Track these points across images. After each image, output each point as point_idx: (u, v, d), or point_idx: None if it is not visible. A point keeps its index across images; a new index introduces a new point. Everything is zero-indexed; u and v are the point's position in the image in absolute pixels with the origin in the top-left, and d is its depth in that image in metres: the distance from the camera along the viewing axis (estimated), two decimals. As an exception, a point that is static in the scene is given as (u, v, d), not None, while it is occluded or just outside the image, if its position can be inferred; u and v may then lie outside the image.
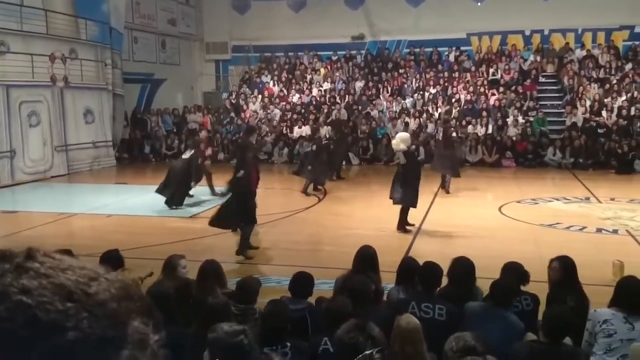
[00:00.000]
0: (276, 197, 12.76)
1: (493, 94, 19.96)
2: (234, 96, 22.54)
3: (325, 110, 20.47)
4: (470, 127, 18.87)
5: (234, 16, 22.66)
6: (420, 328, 3.74)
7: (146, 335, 0.62)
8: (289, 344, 3.75)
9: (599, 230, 9.77)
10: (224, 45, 23.90)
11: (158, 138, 20.57)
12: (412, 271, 5.10)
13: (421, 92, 20.79)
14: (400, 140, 9.49)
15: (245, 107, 21.79)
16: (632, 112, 18.19)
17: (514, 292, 4.47)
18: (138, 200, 12.68)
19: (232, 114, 21.48)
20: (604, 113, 18.42)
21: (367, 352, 2.86)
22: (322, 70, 22.69)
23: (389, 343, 3.75)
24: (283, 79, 22.72)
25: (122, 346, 0.59)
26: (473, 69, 21.26)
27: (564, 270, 4.78)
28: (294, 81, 22.56)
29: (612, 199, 12.36)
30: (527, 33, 21.62)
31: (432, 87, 20.87)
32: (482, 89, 20.23)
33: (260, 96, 22.12)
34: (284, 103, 21.61)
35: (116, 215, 11.20)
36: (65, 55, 17.12)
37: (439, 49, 22.18)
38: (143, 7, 21.31)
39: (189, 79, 23.91)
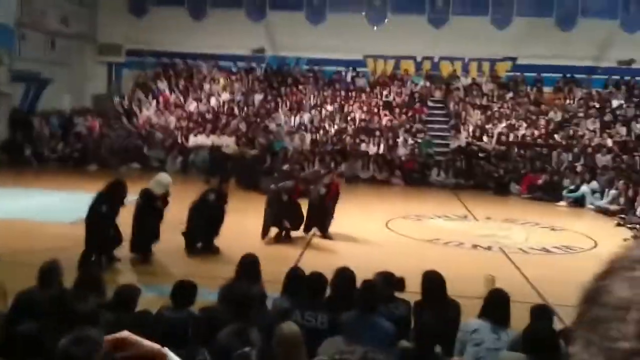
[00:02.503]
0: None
1: (385, 115, 20.74)
2: (126, 100, 21.81)
3: (224, 121, 20.33)
4: (363, 145, 19.47)
5: (130, 19, 22.01)
6: (301, 335, 3.82)
7: None
8: None
9: (474, 246, 10.41)
10: (117, 48, 23.07)
11: (42, 140, 19.45)
12: (297, 280, 5.20)
13: (318, 109, 21.19)
14: (155, 183, 8.83)
15: (138, 112, 21.14)
16: (511, 138, 19.58)
17: (376, 297, 4.64)
18: (16, 205, 11.92)
19: (124, 119, 20.77)
20: (485, 138, 19.68)
21: (245, 349, 2.89)
22: (222, 81, 22.52)
23: (270, 349, 3.80)
24: (180, 86, 22.31)
25: None
26: (368, 89, 21.99)
27: (429, 284, 5.06)
28: (191, 89, 22.22)
29: (489, 218, 13.21)
30: (419, 59, 22.70)
31: (329, 105, 21.34)
32: (375, 110, 20.96)
33: (155, 102, 21.56)
34: (180, 111, 21.21)
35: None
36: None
37: (336, 68, 22.75)
38: (33, 3, 20.16)
39: (79, 81, 22.83)
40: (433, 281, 5.07)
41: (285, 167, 11.69)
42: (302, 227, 10.35)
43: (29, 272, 5.28)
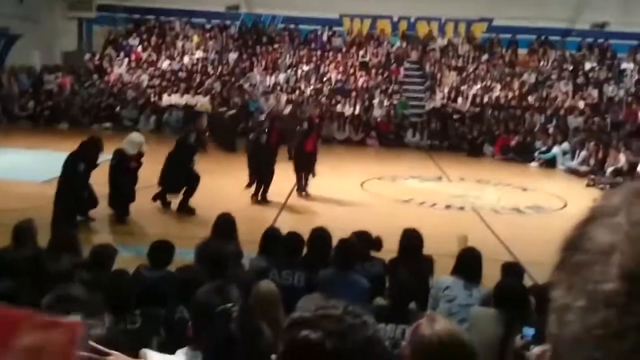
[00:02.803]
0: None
1: (362, 76, 20.64)
2: (97, 57, 21.30)
3: (198, 80, 20.03)
4: (339, 106, 19.40)
5: (101, -27, 21.31)
6: (278, 293, 3.88)
7: None
8: (138, 312, 3.71)
9: (448, 206, 10.59)
10: (87, 3, 22.36)
11: (12, 98, 18.96)
12: (274, 240, 5.24)
13: (294, 69, 20.97)
14: (128, 143, 8.70)
15: (110, 69, 20.69)
16: (485, 100, 19.71)
17: (352, 255, 4.70)
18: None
19: (95, 76, 20.32)
20: (459, 99, 19.77)
21: (227, 305, 2.91)
22: (195, 38, 22.07)
23: (248, 307, 3.86)
24: (152, 43, 21.83)
25: None
26: (344, 49, 21.80)
27: (408, 241, 5.15)
28: (164, 47, 21.76)
29: (462, 179, 13.39)
30: (395, 19, 22.50)
31: (305, 65, 21.12)
32: (352, 70, 20.84)
33: (126, 59, 21.10)
34: (153, 68, 20.80)
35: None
36: None
37: (312, 26, 22.44)
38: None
39: (49, 37, 22.15)
40: (412, 239, 5.16)
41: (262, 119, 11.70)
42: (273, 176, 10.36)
43: (2, 232, 5.24)
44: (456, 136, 18.51)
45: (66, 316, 2.35)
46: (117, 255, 4.87)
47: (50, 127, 17.61)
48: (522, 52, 21.76)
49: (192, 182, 9.19)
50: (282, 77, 20.64)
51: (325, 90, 20.00)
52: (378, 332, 1.18)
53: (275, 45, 21.87)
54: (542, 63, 21.15)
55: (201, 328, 3.37)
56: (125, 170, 8.47)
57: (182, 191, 9.16)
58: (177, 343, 3.53)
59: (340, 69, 20.91)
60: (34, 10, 21.07)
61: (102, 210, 8.41)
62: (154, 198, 9.19)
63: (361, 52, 21.69)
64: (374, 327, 1.16)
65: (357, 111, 19.35)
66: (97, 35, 22.77)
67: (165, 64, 20.99)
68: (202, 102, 18.43)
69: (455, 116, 19.16)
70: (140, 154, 8.68)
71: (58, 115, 18.49)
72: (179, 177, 9.12)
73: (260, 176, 10.12)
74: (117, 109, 18.88)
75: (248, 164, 10.37)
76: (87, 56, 21.61)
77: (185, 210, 9.14)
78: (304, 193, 10.64)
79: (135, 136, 9.09)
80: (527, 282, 5.26)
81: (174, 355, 3.03)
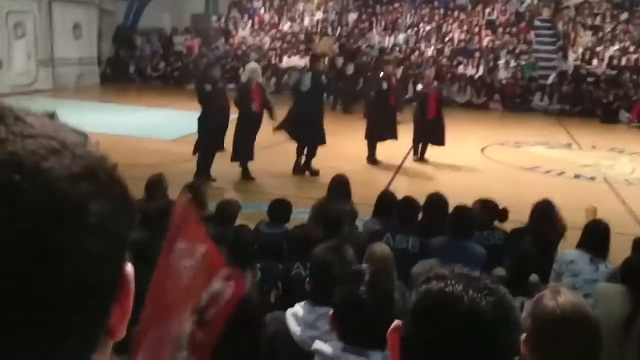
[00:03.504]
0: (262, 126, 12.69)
1: (487, 35, 19.72)
2: (223, 20, 22.01)
3: (317, 41, 20.13)
4: (461, 68, 18.74)
5: None
6: (392, 257, 3.86)
7: (108, 220, 0.56)
8: (259, 265, 3.86)
9: (577, 176, 9.98)
10: (215, -34, 23.09)
11: (144, 59, 20.17)
12: (389, 204, 5.20)
13: (415, 29, 20.46)
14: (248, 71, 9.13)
15: (234, 32, 21.33)
16: (623, 63, 18.16)
17: (469, 223, 4.52)
18: (122, 121, 12.58)
19: (221, 39, 21.05)
20: (594, 61, 18.37)
21: (362, 266, 2.94)
22: (316, -1, 22.14)
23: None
24: (275, 5, 22.17)
25: (74, 230, 0.53)
26: (469, 7, 20.91)
27: (534, 213, 4.90)
28: (285, 8, 22.04)
29: (594, 147, 12.54)
30: (526, -26, 21.15)
31: (426, 24, 20.53)
32: (476, 29, 19.96)
33: (250, 22, 21.62)
34: (275, 31, 21.17)
35: (99, 134, 11.09)
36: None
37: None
38: None
39: (178, 0, 23.16)
40: (545, 209, 4.89)
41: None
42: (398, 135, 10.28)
43: (134, 185, 5.61)
44: (589, 101, 17.27)
45: None
46: (239, 211, 5.07)
47: (179, 87, 18.56)
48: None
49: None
50: (401, 37, 20.22)
51: (447, 50, 19.35)
52: (513, 300, 1.13)
53: (396, 5, 21.41)
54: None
55: (319, 284, 3.45)
56: (249, 103, 8.72)
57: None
58: (294, 298, 3.65)
59: (464, 28, 20.10)
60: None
61: (226, 168, 8.77)
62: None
63: (488, 10, 20.69)
64: (507, 293, 1.12)
65: (480, 72, 18.59)
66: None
67: (286, 26, 21.28)
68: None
69: (589, 79, 17.86)
70: (259, 87, 8.88)
71: (186, 76, 19.42)
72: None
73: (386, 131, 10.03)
74: (240, 70, 19.45)
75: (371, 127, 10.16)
76: (214, 19, 22.39)
77: (310, 170, 9.31)
78: (419, 159, 10.45)
79: (251, 64, 9.54)
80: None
81: (293, 308, 3.11)
